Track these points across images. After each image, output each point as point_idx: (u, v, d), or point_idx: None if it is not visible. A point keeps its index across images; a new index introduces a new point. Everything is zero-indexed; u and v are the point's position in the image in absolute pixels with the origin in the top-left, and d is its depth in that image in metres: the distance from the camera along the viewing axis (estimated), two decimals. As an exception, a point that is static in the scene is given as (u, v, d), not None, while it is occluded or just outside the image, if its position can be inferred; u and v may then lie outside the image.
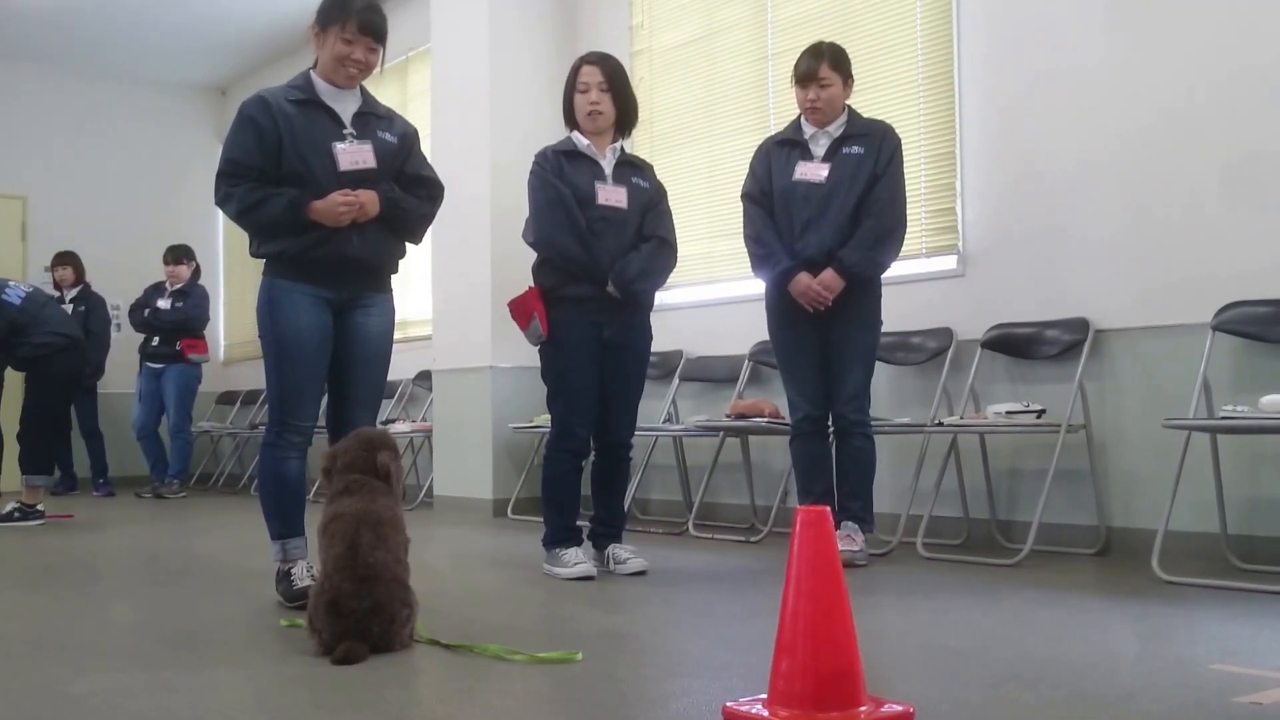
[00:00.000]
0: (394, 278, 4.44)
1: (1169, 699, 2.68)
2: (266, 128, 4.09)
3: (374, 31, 4.19)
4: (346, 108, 4.24)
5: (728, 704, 2.48)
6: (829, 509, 2.46)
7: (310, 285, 4.15)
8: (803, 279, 5.02)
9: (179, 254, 10.17)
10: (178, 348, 9.97)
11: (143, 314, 10.07)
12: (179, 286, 10.10)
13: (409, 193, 4.30)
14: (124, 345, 10.66)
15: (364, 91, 4.34)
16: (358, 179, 4.14)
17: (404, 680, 3.10)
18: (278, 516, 4.21)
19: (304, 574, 4.13)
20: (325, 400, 4.34)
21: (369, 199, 4.12)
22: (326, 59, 4.21)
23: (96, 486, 10.44)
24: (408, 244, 4.44)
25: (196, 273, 10.30)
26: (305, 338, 4.15)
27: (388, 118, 4.37)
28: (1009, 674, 2.95)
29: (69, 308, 9.83)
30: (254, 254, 4.28)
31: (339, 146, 4.15)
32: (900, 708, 2.43)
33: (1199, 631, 3.51)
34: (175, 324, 9.97)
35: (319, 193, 4.06)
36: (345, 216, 4.06)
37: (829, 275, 4.98)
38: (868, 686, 2.44)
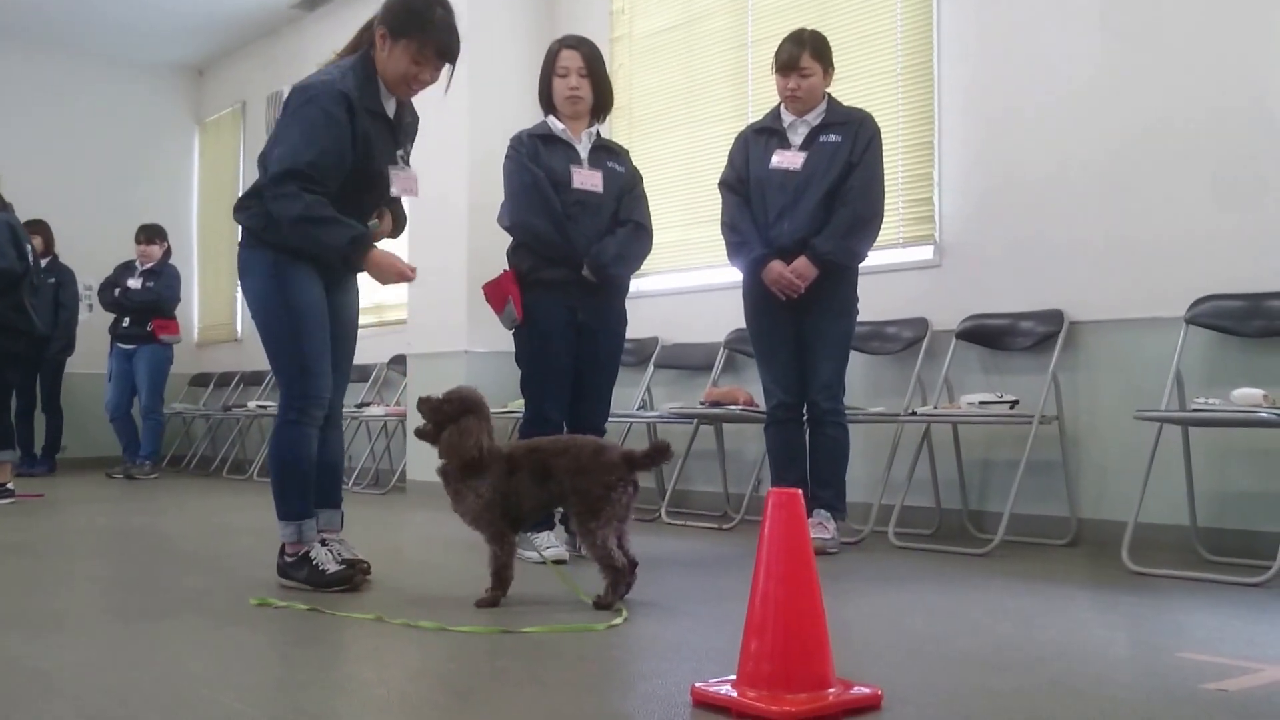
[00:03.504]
0: None
1: (1137, 686, 2.69)
2: (348, 134, 3.91)
3: (451, 56, 4.03)
4: (390, 109, 4.11)
5: (697, 685, 2.48)
6: (800, 492, 2.47)
7: (307, 263, 4.09)
8: (775, 266, 5.02)
9: (151, 233, 10.10)
10: (149, 328, 9.91)
11: (113, 293, 10.00)
12: (150, 266, 10.04)
13: None
14: (94, 325, 10.60)
15: None
16: (396, 200, 4.15)
17: (374, 658, 3.09)
18: (299, 497, 4.06)
19: (328, 558, 4.00)
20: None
21: (387, 229, 4.15)
22: (392, 70, 3.99)
23: (39, 462, 10.36)
24: None
25: (167, 253, 10.23)
26: (316, 308, 4.06)
27: (413, 121, 4.28)
28: (977, 660, 2.96)
29: (39, 279, 9.75)
30: (243, 223, 4.13)
31: (394, 171, 4.09)
32: (868, 690, 2.44)
33: (1167, 621, 3.53)
34: (146, 304, 9.90)
35: (369, 209, 4.02)
36: (391, 283, 4.03)
37: (801, 263, 4.98)
38: (836, 670, 2.44)
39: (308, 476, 4.09)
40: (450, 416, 3.74)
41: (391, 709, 2.51)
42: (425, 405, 3.80)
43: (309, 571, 4.01)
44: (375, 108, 4.01)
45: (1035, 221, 5.56)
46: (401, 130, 4.17)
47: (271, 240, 4.04)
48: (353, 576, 3.98)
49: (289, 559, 4.08)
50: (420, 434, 3.83)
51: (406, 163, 4.17)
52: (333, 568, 3.99)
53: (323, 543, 4.21)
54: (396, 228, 4.31)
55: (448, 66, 4.06)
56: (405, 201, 4.38)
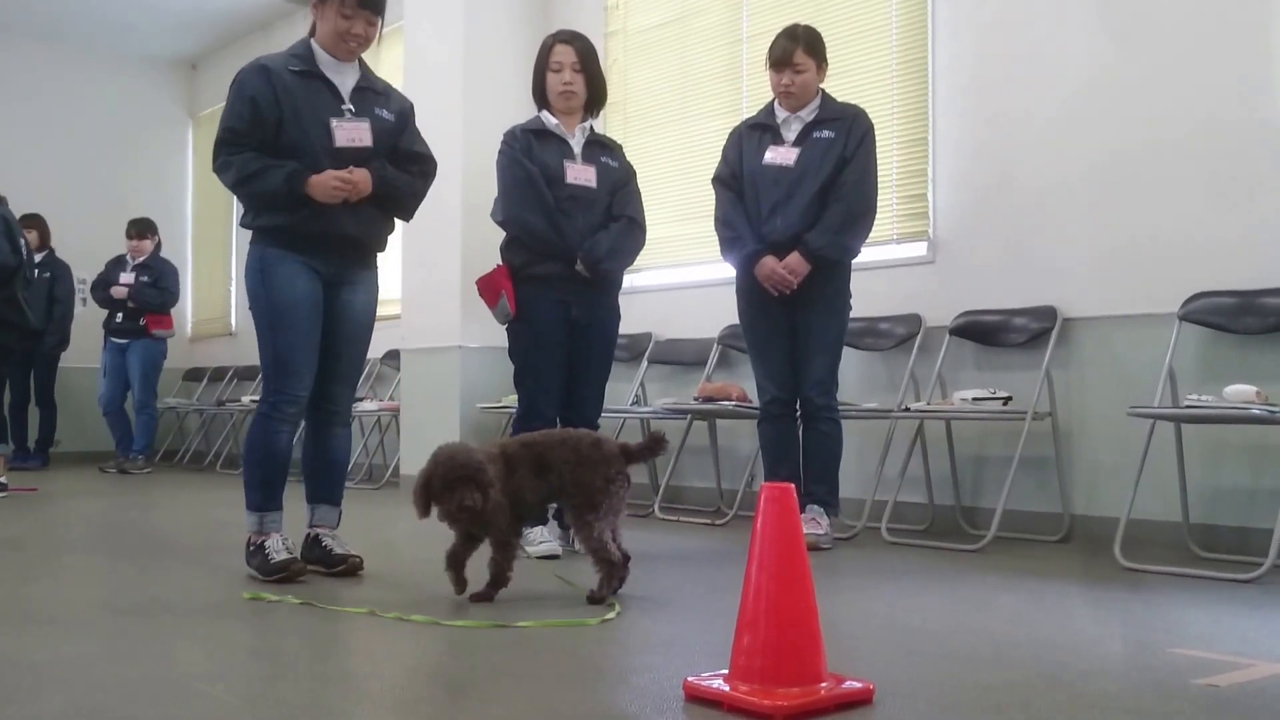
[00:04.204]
0: (378, 255, 4.43)
1: (1127, 680, 2.70)
2: (266, 97, 4.04)
3: (373, 5, 4.15)
4: (346, 81, 4.20)
5: (689, 679, 2.49)
6: (793, 487, 2.47)
7: (302, 255, 4.12)
8: (768, 262, 5.02)
9: (142, 228, 10.10)
10: (142, 323, 9.90)
11: (107, 290, 9.99)
12: (141, 260, 10.03)
13: (402, 169, 4.26)
14: (88, 319, 10.58)
15: (363, 64, 4.30)
16: (352, 156, 4.11)
17: (367, 652, 3.09)
18: (261, 488, 4.16)
19: (280, 548, 4.07)
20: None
21: (363, 179, 4.08)
22: (326, 32, 4.15)
23: (32, 456, 10.34)
24: (398, 221, 4.42)
25: (158, 246, 10.23)
26: (301, 305, 4.11)
27: (385, 93, 4.33)
28: (969, 655, 2.96)
29: (33, 274, 9.75)
30: (246, 225, 4.21)
31: (335, 122, 4.11)
32: (860, 685, 2.44)
33: (1159, 616, 3.54)
34: (147, 301, 9.93)
35: (314, 167, 4.03)
36: (338, 195, 4.02)
37: (794, 258, 4.98)
38: (829, 664, 2.45)
39: (271, 470, 4.17)
40: (490, 482, 3.50)
41: (384, 703, 2.51)
42: (468, 498, 3.45)
43: (260, 560, 4.08)
44: (306, 68, 4.14)
45: (1029, 218, 5.57)
46: (359, 94, 4.22)
47: (260, 226, 4.14)
48: (290, 565, 4.03)
49: (251, 548, 4.16)
50: (472, 511, 3.50)
51: (357, 115, 4.19)
52: (278, 557, 4.05)
53: (317, 538, 4.24)
54: (393, 204, 4.30)
55: (380, 21, 4.24)
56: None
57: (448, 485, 3.46)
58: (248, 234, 4.26)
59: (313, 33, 4.23)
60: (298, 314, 4.10)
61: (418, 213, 4.47)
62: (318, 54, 4.18)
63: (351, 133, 4.13)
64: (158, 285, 10.00)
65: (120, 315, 9.97)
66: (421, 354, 8.24)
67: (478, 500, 3.45)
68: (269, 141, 4.06)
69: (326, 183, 4.01)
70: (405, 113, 4.37)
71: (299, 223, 4.07)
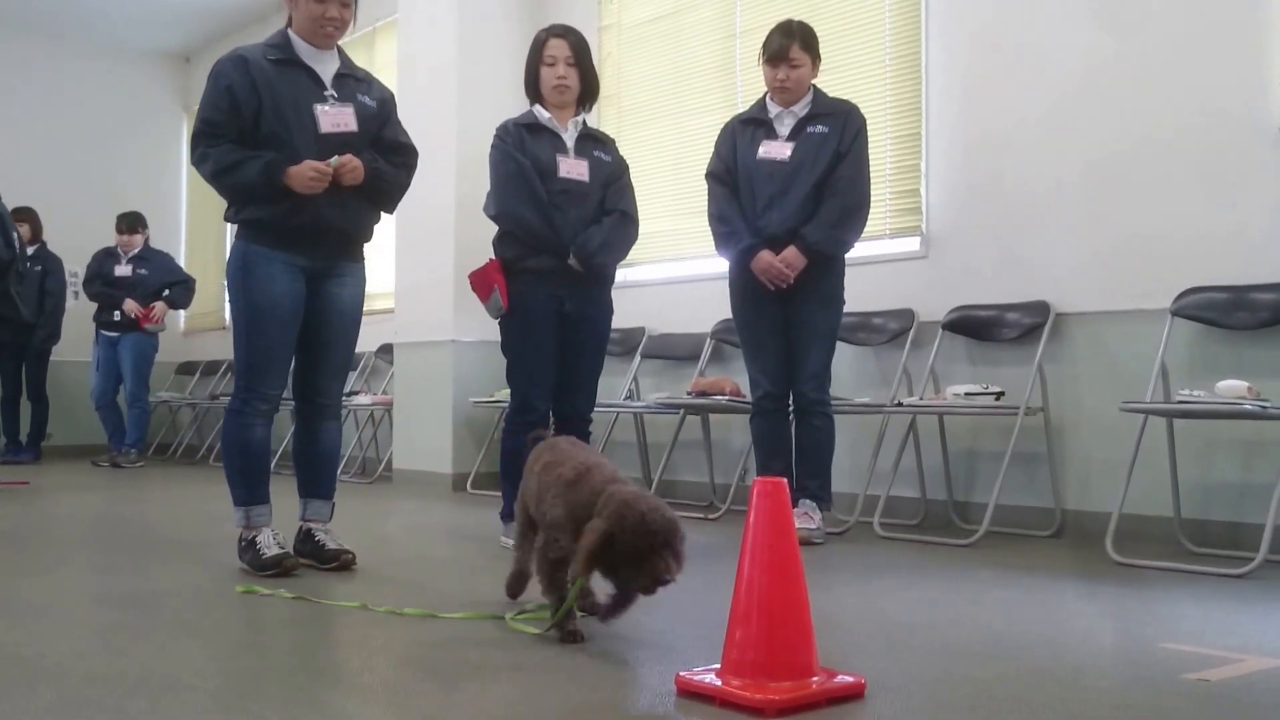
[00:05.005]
0: (365, 246, 4.42)
1: (1119, 675, 2.71)
2: (244, 87, 4.03)
3: None
4: (326, 68, 4.20)
5: (681, 673, 2.49)
6: (786, 481, 2.47)
7: (285, 252, 4.11)
8: (764, 256, 5.02)
9: (132, 222, 10.08)
10: (133, 316, 9.89)
11: (102, 284, 9.97)
12: (136, 252, 10.02)
13: (386, 159, 4.26)
14: (81, 313, 10.56)
15: (342, 53, 4.30)
16: (339, 142, 4.10)
17: (360, 646, 3.09)
18: (242, 483, 4.17)
19: (271, 542, 4.09)
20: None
21: (353, 165, 4.07)
22: (302, 19, 4.15)
23: (24, 449, 10.33)
24: (382, 212, 4.42)
25: (147, 239, 10.23)
26: (278, 305, 4.10)
27: (366, 80, 4.34)
28: (961, 649, 2.97)
29: (25, 267, 9.73)
30: (230, 219, 4.21)
31: (320, 108, 4.11)
32: (852, 679, 2.45)
33: (1150, 611, 3.55)
34: (187, 301, 10.24)
35: (298, 155, 4.02)
36: (316, 185, 4.00)
37: (791, 252, 4.99)
38: (821, 659, 2.45)
39: (250, 464, 4.18)
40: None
41: (377, 696, 2.51)
42: (669, 570, 2.72)
43: (252, 555, 4.10)
44: (285, 57, 4.14)
45: (1022, 214, 5.57)
46: (340, 80, 4.22)
47: (243, 219, 4.14)
48: (283, 561, 4.05)
49: (242, 544, 4.17)
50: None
51: (340, 100, 4.19)
52: (269, 552, 4.06)
53: (310, 532, 4.24)
54: (380, 195, 4.29)
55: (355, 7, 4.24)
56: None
57: (641, 554, 2.72)
58: (241, 228, 4.25)
59: (289, 24, 4.23)
60: (275, 316, 4.10)
61: (412, 207, 4.46)
62: (296, 43, 4.18)
63: (336, 118, 4.13)
64: (182, 283, 10.20)
65: (117, 314, 9.92)
66: (415, 348, 8.24)
67: (675, 571, 2.74)
68: (248, 132, 4.05)
69: (304, 173, 3.99)
70: (387, 101, 4.37)
71: (282, 215, 4.05)
